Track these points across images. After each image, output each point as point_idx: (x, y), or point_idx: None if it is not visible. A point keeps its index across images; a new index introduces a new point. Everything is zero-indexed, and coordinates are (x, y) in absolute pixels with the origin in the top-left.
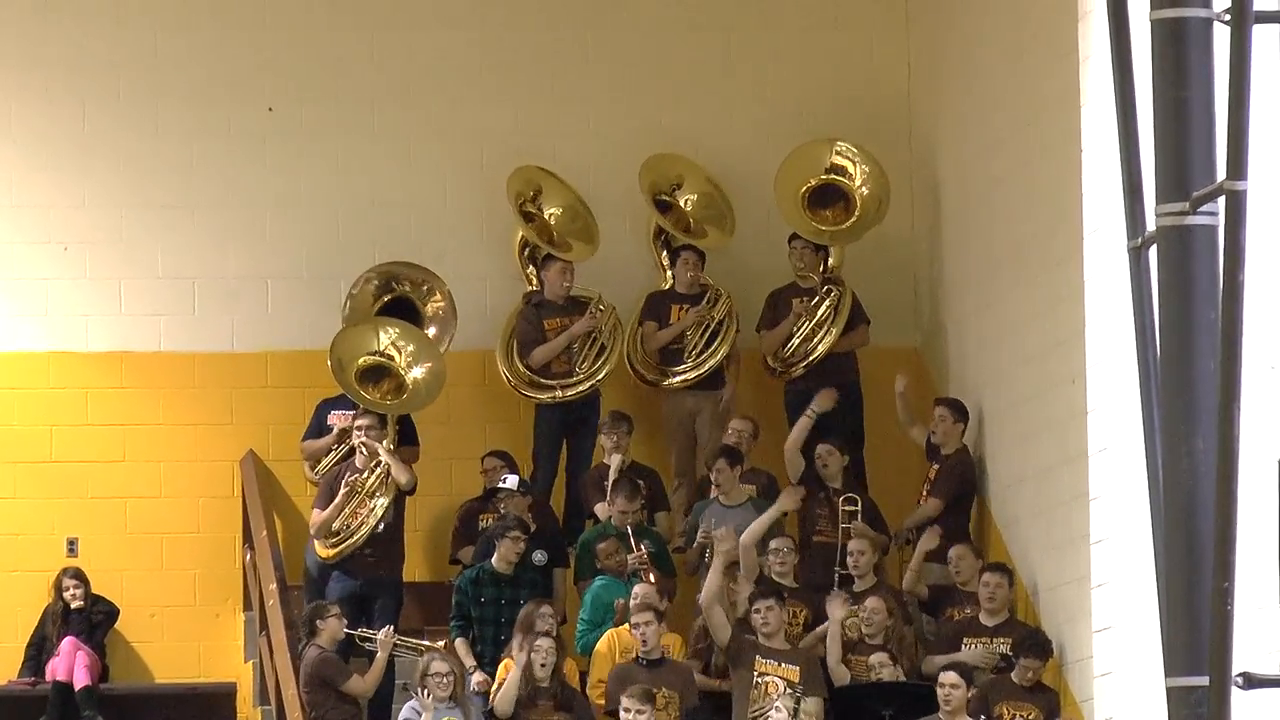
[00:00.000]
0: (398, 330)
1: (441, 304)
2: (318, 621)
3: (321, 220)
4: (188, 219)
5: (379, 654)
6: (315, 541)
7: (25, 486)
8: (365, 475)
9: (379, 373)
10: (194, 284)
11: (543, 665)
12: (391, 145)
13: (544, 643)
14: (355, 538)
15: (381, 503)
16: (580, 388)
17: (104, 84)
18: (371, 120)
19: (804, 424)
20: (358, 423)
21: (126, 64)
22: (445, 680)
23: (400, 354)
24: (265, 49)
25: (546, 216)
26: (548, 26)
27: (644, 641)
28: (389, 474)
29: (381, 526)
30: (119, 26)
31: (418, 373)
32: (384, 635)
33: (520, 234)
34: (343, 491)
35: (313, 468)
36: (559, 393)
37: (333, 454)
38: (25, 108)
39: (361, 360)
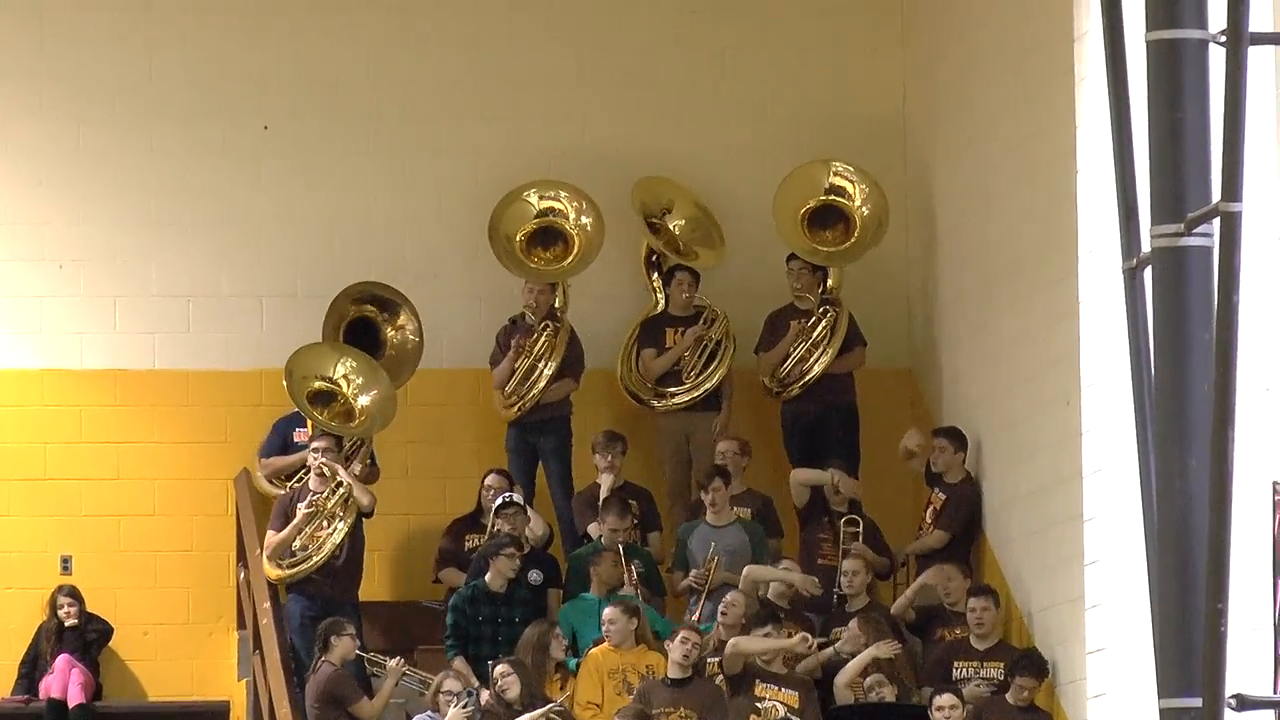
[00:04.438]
0: (354, 362)
1: (406, 329)
2: (332, 638)
3: (316, 239)
4: (182, 237)
5: (386, 681)
6: (265, 562)
7: (19, 504)
8: (325, 496)
9: (327, 397)
10: (188, 302)
11: (502, 691)
12: (386, 164)
13: (501, 669)
14: (313, 560)
15: (341, 526)
16: (513, 408)
17: (99, 102)
18: (366, 139)
19: (820, 475)
20: (315, 444)
21: (122, 82)
22: (458, 699)
23: (349, 384)
24: (260, 67)
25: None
26: (542, 46)
27: (684, 659)
28: (350, 496)
29: (342, 556)
30: (114, 45)
31: (364, 400)
32: (394, 664)
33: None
34: (303, 512)
35: (273, 483)
36: (505, 410)
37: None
38: (20, 125)
39: (314, 384)
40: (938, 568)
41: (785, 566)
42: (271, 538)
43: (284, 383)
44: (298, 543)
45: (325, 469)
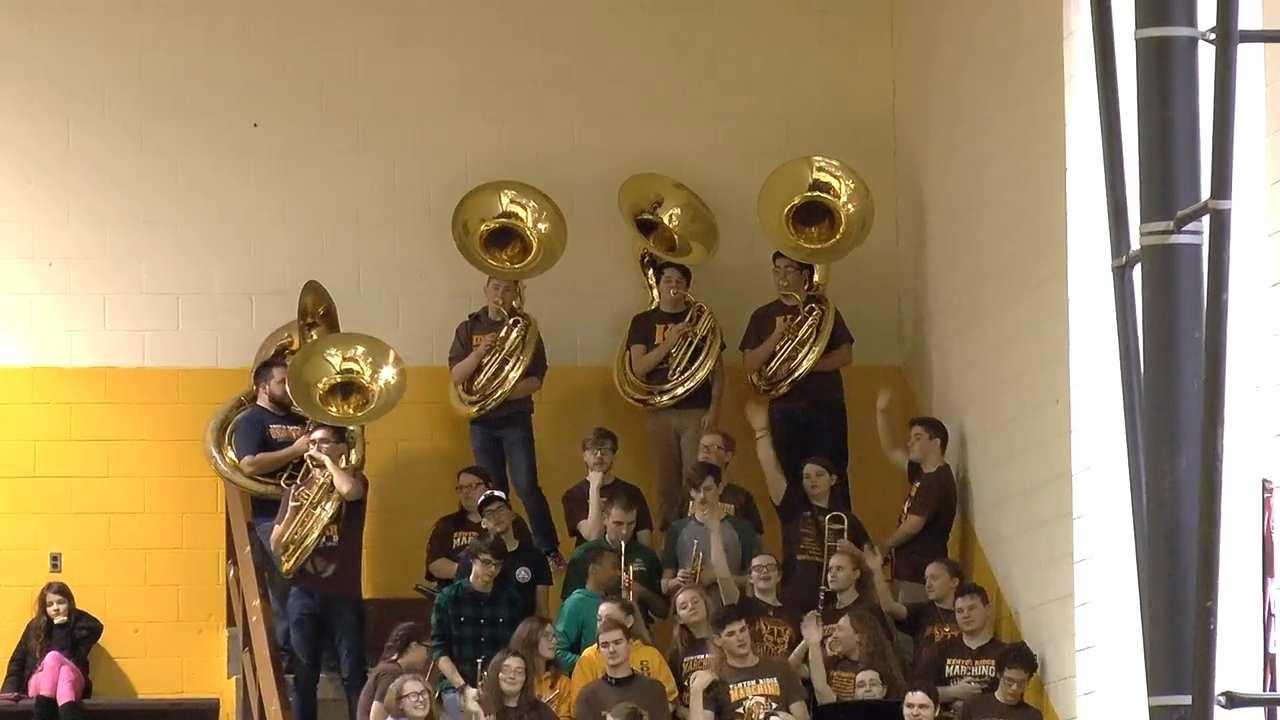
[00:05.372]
0: (342, 345)
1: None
2: (413, 643)
3: (305, 236)
4: (172, 235)
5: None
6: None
7: (8, 502)
8: (308, 488)
9: (345, 390)
10: (178, 300)
11: (510, 685)
12: (375, 162)
13: (512, 662)
14: (304, 546)
15: (327, 510)
16: (475, 406)
17: (88, 100)
18: (356, 138)
19: (779, 480)
20: (314, 435)
21: (111, 80)
22: (421, 700)
23: (361, 364)
24: (250, 65)
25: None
26: (532, 46)
27: (612, 658)
28: (332, 483)
29: (335, 539)
30: (103, 43)
31: (386, 376)
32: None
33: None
34: (290, 506)
35: (261, 480)
36: (465, 408)
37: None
38: (9, 124)
39: (323, 382)
40: (870, 551)
41: (756, 565)
42: (276, 532)
43: (292, 396)
44: (286, 535)
45: (313, 459)
